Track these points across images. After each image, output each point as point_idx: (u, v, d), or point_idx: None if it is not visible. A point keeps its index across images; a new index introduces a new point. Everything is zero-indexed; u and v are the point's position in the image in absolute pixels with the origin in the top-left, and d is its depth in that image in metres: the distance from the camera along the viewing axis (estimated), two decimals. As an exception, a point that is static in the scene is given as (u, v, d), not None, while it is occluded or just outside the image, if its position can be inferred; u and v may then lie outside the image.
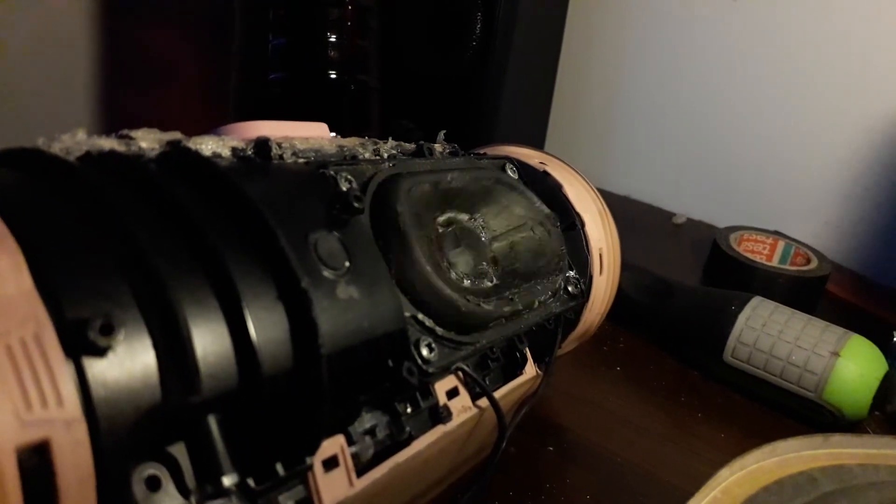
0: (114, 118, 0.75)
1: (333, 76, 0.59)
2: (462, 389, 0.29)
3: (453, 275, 0.31)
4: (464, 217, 0.34)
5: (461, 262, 0.31)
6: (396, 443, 0.26)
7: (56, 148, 0.21)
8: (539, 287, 0.34)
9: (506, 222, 0.35)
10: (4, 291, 0.16)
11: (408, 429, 0.26)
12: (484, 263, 0.33)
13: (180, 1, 0.77)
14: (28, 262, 0.17)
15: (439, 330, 0.27)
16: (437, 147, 0.36)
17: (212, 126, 0.81)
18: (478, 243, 0.33)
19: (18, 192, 0.19)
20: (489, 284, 0.32)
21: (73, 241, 0.18)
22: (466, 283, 0.31)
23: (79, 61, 0.71)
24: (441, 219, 0.32)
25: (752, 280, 0.60)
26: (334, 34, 0.59)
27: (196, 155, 0.23)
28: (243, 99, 0.63)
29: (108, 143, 0.22)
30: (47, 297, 0.16)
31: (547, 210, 0.37)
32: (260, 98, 0.61)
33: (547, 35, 0.77)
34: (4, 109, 0.66)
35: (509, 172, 0.38)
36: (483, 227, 0.34)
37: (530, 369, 0.34)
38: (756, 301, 0.48)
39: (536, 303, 0.33)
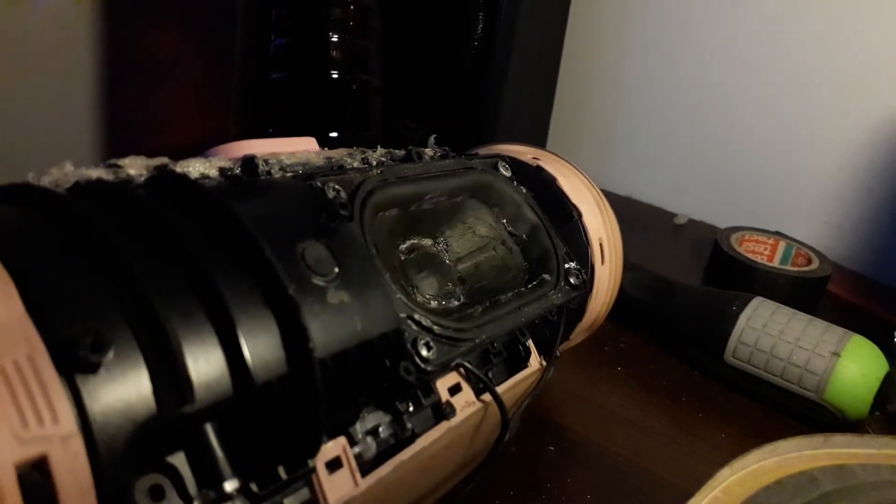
0: (115, 118, 0.75)
1: (335, 76, 0.59)
2: (465, 385, 0.29)
3: (419, 298, 0.31)
4: (427, 242, 0.34)
5: (426, 285, 0.32)
6: (400, 441, 0.26)
7: (46, 181, 0.22)
8: (503, 299, 0.34)
9: (468, 244, 0.36)
10: None
11: (410, 426, 0.26)
12: (450, 284, 0.33)
13: (182, 1, 0.77)
14: (19, 288, 0.17)
15: (437, 328, 0.27)
16: (428, 151, 0.36)
17: (213, 126, 0.80)
18: (442, 266, 0.34)
19: (7, 223, 0.20)
20: (456, 304, 0.33)
21: (61, 266, 0.19)
22: (433, 304, 0.31)
23: (80, 61, 0.71)
24: (404, 246, 0.33)
25: (753, 280, 0.60)
26: (336, 34, 0.59)
27: (181, 176, 0.23)
28: (245, 99, 0.63)
29: (95, 173, 0.23)
30: (38, 321, 0.17)
31: (525, 214, 0.37)
32: (261, 98, 0.61)
33: (549, 35, 0.77)
34: (6, 110, 0.66)
35: (501, 170, 0.38)
36: (446, 251, 0.34)
37: (535, 362, 0.34)
38: (757, 301, 0.49)
39: (507, 309, 0.33)
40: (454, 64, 0.69)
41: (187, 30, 0.79)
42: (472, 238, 0.36)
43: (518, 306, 0.33)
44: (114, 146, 0.76)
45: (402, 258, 0.32)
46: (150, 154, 0.76)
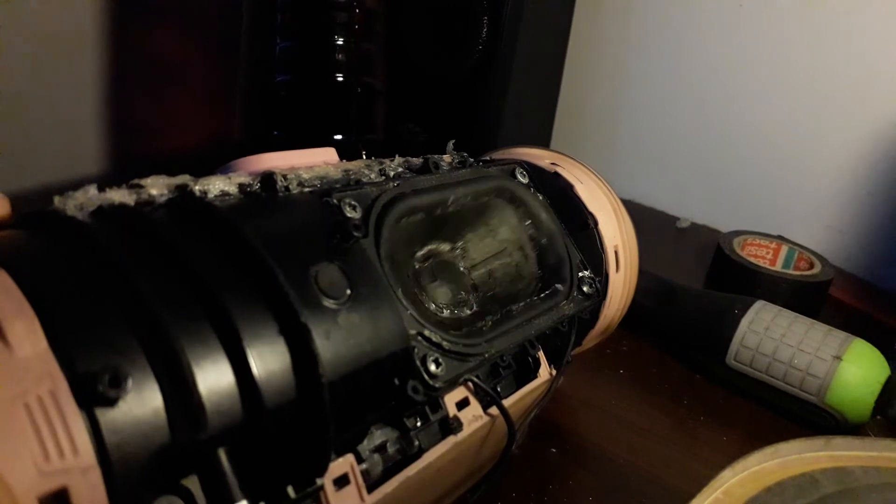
0: (121, 120, 0.75)
1: (340, 79, 0.60)
2: (472, 399, 0.30)
3: (432, 306, 0.31)
4: (445, 247, 0.34)
5: (440, 293, 0.32)
6: (407, 457, 0.27)
7: (70, 205, 0.22)
8: (514, 308, 0.34)
9: (486, 249, 0.36)
10: (22, 354, 0.17)
11: (417, 442, 0.27)
12: (463, 293, 0.33)
13: (188, 3, 0.78)
14: (42, 323, 0.18)
15: (446, 344, 0.28)
16: (446, 158, 0.36)
17: (218, 128, 0.80)
18: (456, 275, 0.34)
19: (33, 255, 0.21)
20: (468, 312, 0.33)
21: (83, 300, 0.19)
22: (445, 313, 0.31)
23: (86, 64, 0.71)
24: (420, 253, 0.33)
25: (756, 284, 0.60)
26: (341, 37, 0.59)
27: (199, 200, 0.24)
28: (250, 101, 0.63)
29: (118, 196, 0.23)
30: (60, 356, 0.18)
31: (545, 224, 0.37)
32: (266, 100, 0.61)
33: (552, 40, 0.77)
34: (10, 111, 0.66)
35: (519, 177, 0.38)
36: (463, 257, 0.34)
37: (545, 372, 0.34)
38: (759, 305, 0.49)
39: (517, 323, 0.33)
40: (458, 67, 0.69)
41: (193, 32, 0.80)
42: (490, 242, 0.36)
43: (529, 318, 0.33)
44: (119, 147, 0.76)
45: (417, 266, 0.32)
46: (155, 154, 0.77)
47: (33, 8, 0.65)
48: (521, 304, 0.34)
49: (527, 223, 0.37)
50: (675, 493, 0.39)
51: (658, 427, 0.45)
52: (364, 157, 0.60)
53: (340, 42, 0.59)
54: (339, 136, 0.61)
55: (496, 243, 0.36)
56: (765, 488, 0.35)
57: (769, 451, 0.37)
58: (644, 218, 0.85)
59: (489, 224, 0.36)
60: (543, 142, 0.80)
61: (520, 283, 0.36)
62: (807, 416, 0.46)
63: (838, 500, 0.34)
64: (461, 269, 0.34)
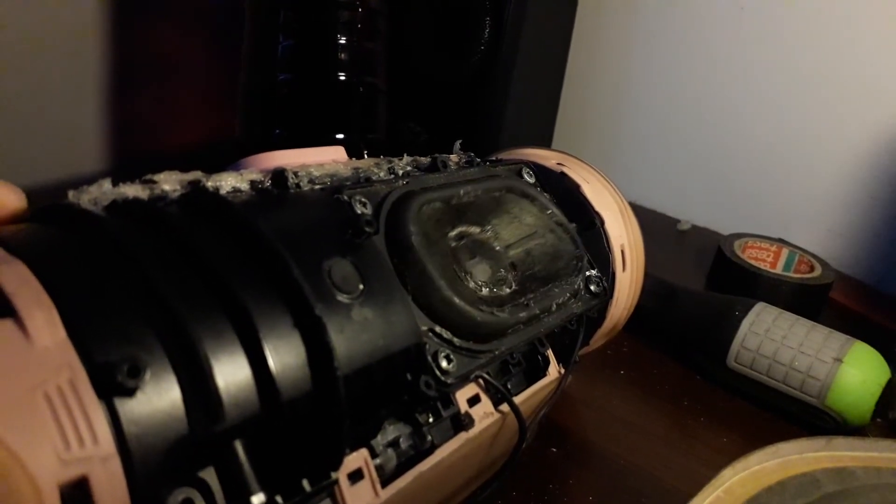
0: (122, 117, 0.75)
1: (342, 78, 0.60)
2: (483, 396, 0.30)
3: (472, 284, 0.31)
4: (475, 230, 0.34)
5: (479, 270, 0.32)
6: (420, 452, 0.27)
7: (85, 199, 0.22)
8: (557, 290, 0.34)
9: (517, 232, 0.35)
10: (41, 344, 0.17)
11: (430, 438, 0.27)
12: (502, 270, 0.33)
13: (190, 1, 0.78)
14: (61, 314, 0.18)
15: (457, 340, 0.28)
16: (453, 158, 0.36)
17: (219, 126, 0.80)
18: (493, 253, 0.34)
19: (51, 247, 0.21)
20: (508, 291, 0.33)
21: (101, 291, 0.19)
22: (485, 291, 0.31)
23: (87, 61, 0.71)
24: (453, 233, 0.33)
25: (756, 287, 0.60)
26: (343, 36, 0.59)
27: (213, 195, 0.24)
28: (251, 99, 0.63)
29: (132, 191, 0.23)
30: (79, 346, 0.18)
31: (558, 217, 0.37)
32: (268, 98, 0.61)
33: (554, 41, 0.77)
34: (10, 109, 0.66)
35: (525, 177, 0.38)
36: (496, 238, 0.34)
37: (554, 370, 0.34)
38: (760, 307, 0.49)
39: (554, 305, 0.33)
40: (460, 68, 0.69)
41: (195, 29, 0.80)
42: (519, 226, 0.35)
43: (542, 312, 0.33)
44: (119, 146, 0.76)
45: (453, 245, 0.32)
46: (157, 152, 0.76)
47: (33, 6, 0.65)
48: (563, 282, 0.34)
49: (548, 212, 0.37)
50: (674, 493, 0.39)
51: (658, 427, 0.45)
52: (366, 156, 0.60)
53: (343, 41, 0.59)
54: (340, 135, 0.61)
55: (524, 227, 0.35)
56: (765, 487, 0.35)
57: (770, 450, 0.37)
58: (645, 220, 0.85)
59: (511, 212, 0.36)
60: (545, 143, 0.80)
61: (559, 262, 0.35)
62: (807, 417, 0.46)
63: (839, 499, 0.34)
64: (497, 248, 0.34)
